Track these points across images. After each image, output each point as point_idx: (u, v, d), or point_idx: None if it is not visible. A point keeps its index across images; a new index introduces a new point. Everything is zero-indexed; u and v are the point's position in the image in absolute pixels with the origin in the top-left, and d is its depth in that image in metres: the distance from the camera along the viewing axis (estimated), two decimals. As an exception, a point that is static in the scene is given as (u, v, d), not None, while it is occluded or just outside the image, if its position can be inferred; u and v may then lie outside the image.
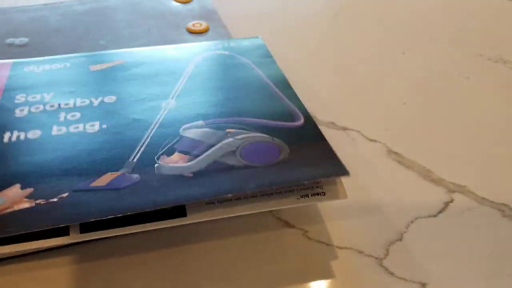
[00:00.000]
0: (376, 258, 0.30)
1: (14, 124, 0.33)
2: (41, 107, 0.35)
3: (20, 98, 0.36)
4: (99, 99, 0.36)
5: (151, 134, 0.32)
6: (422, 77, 0.46)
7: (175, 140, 0.32)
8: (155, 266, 0.30)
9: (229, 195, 0.28)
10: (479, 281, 0.29)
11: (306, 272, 0.30)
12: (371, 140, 0.39)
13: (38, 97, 0.36)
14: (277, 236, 0.32)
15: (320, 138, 0.32)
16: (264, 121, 0.34)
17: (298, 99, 0.36)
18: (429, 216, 0.33)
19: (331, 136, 0.38)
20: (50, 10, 0.50)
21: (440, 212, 0.33)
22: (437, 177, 0.36)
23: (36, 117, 0.34)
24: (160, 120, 0.34)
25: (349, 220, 0.33)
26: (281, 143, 0.32)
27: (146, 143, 0.32)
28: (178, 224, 0.28)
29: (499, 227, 0.32)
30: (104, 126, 0.33)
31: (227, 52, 0.42)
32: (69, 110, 0.35)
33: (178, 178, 0.29)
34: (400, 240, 0.31)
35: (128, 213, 0.26)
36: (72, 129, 0.33)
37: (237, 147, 0.31)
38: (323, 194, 0.29)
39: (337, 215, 0.33)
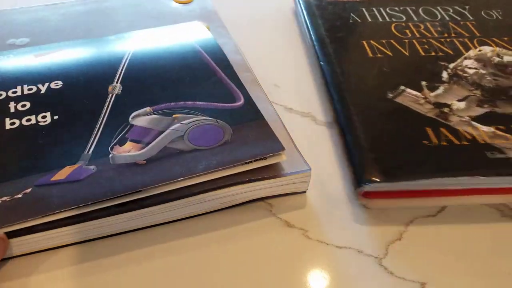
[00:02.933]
0: (376, 257, 0.31)
1: None
2: None
3: None
4: (46, 85, 0.37)
5: (102, 123, 0.34)
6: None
7: (125, 130, 0.33)
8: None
9: (180, 178, 0.30)
10: (479, 281, 0.29)
11: (306, 272, 0.30)
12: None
13: None
14: (276, 236, 0.32)
15: (259, 117, 0.35)
16: (208, 104, 0.35)
17: (239, 79, 0.38)
18: (428, 216, 0.33)
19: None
20: (51, 11, 0.50)
21: (439, 212, 0.33)
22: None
23: None
24: (109, 107, 0.35)
25: (348, 220, 0.33)
26: (225, 124, 0.34)
27: (98, 134, 0.33)
28: (135, 198, 0.30)
29: (498, 226, 0.32)
30: (56, 117, 0.34)
31: (169, 35, 0.43)
32: (17, 99, 0.35)
33: (133, 166, 0.31)
34: (400, 239, 0.32)
35: (89, 203, 0.28)
36: (24, 121, 0.34)
37: (184, 132, 0.33)
38: (265, 159, 0.32)
39: (336, 214, 0.33)
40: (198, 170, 0.30)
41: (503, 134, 0.36)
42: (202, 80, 0.38)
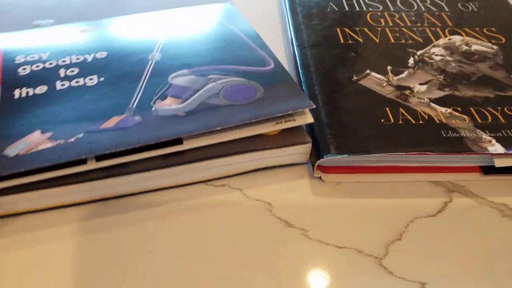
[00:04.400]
0: (376, 257, 0.31)
1: (20, 81, 0.38)
2: (41, 65, 0.39)
3: (19, 59, 0.40)
4: (92, 55, 0.40)
5: (144, 83, 0.37)
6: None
7: (166, 87, 0.36)
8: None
9: (218, 128, 0.33)
10: (478, 281, 0.29)
11: (306, 272, 0.30)
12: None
13: (36, 56, 0.40)
14: (276, 235, 0.32)
15: (288, 78, 0.37)
16: (241, 67, 0.38)
17: (268, 47, 0.41)
18: (428, 216, 0.33)
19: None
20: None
21: (439, 211, 0.33)
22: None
23: (39, 74, 0.38)
24: (150, 71, 0.38)
25: (348, 220, 0.33)
26: (256, 84, 0.37)
27: (141, 91, 0.36)
28: (177, 150, 0.33)
29: (498, 226, 0.32)
30: (102, 79, 0.38)
31: (200, 12, 0.47)
32: (67, 66, 0.39)
33: (174, 117, 0.34)
34: (400, 239, 0.32)
35: (136, 146, 0.32)
36: (74, 83, 0.37)
37: (220, 90, 0.36)
38: (294, 120, 0.35)
39: (336, 214, 0.33)
40: (234, 121, 0.33)
41: (460, 115, 0.37)
42: (234, 49, 0.41)
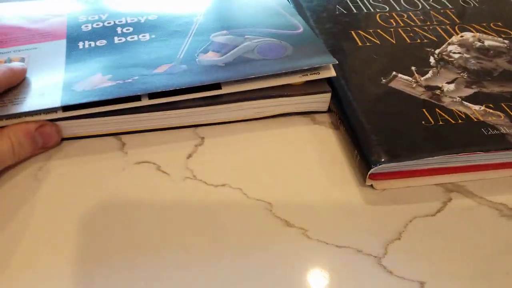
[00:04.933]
0: (375, 257, 0.31)
1: (83, 36, 0.43)
2: (101, 24, 0.45)
3: (82, 17, 0.46)
4: (145, 17, 0.46)
5: (189, 40, 0.42)
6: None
7: (207, 44, 0.42)
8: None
9: (252, 76, 0.38)
10: (478, 280, 0.30)
11: (306, 271, 0.30)
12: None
13: (96, 17, 0.46)
14: (276, 235, 0.32)
15: (315, 40, 0.42)
16: (273, 30, 0.44)
17: (298, 15, 0.46)
18: (428, 216, 0.33)
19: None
20: None
21: (439, 211, 0.34)
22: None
23: (99, 31, 0.44)
24: (194, 30, 0.44)
25: (348, 219, 0.33)
26: (286, 43, 0.42)
27: (187, 46, 0.42)
28: (217, 93, 0.38)
29: (497, 226, 0.33)
30: (153, 36, 0.43)
31: None
32: (123, 25, 0.45)
33: (214, 67, 0.39)
34: (399, 239, 0.32)
35: (183, 87, 0.37)
36: (129, 38, 0.43)
37: (254, 47, 0.41)
38: (318, 74, 0.40)
39: (336, 214, 0.33)
40: (266, 71, 0.38)
41: (494, 111, 0.38)
42: (268, 15, 0.46)
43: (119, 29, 0.44)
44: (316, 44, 0.42)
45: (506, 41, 0.46)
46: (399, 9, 0.51)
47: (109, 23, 0.45)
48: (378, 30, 0.47)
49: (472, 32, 0.47)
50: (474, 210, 0.34)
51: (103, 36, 0.43)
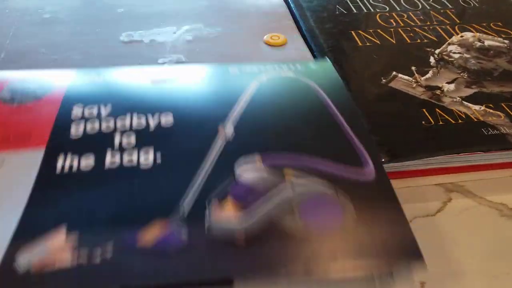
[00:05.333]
0: None
1: (68, 145, 0.31)
2: (97, 125, 0.33)
3: (77, 110, 0.34)
4: (156, 116, 0.33)
5: (204, 171, 0.29)
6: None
7: (228, 183, 0.29)
8: None
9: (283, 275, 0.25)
10: (477, 280, 0.29)
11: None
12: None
13: (95, 111, 0.34)
14: None
15: (391, 199, 0.28)
16: (328, 163, 0.30)
17: (369, 137, 0.32)
18: (428, 216, 0.33)
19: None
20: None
21: (439, 211, 0.33)
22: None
23: (92, 140, 0.32)
24: (216, 154, 0.30)
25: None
26: (345, 201, 0.28)
27: (198, 182, 0.29)
28: None
29: (497, 226, 0.33)
30: (159, 155, 0.31)
31: (292, 74, 0.38)
32: (123, 131, 0.32)
33: (229, 246, 0.26)
34: None
35: (173, 283, 0.25)
36: (125, 161, 0.30)
37: (295, 201, 0.28)
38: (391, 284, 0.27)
39: None
40: (310, 273, 0.25)
41: (494, 111, 0.38)
42: (322, 132, 0.32)
43: (117, 139, 0.32)
44: (392, 209, 0.28)
45: (506, 41, 0.46)
46: (399, 9, 0.51)
47: (108, 126, 0.33)
48: (378, 30, 0.47)
49: (472, 32, 0.47)
50: (474, 210, 0.34)
51: (93, 148, 0.31)
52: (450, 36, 0.46)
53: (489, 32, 0.47)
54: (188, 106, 0.34)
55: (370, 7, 0.51)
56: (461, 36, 0.46)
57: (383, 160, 0.33)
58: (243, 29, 0.48)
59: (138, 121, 0.33)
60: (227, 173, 0.29)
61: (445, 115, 0.37)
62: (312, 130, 0.33)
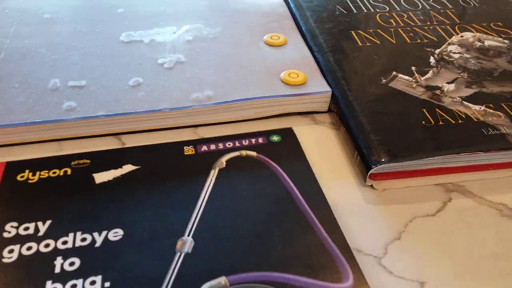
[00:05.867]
0: (375, 257, 0.31)
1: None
2: (35, 246, 0.28)
3: (10, 230, 0.29)
4: (103, 234, 0.29)
5: None
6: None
7: None
8: None
9: None
10: (477, 280, 0.30)
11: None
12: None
13: (32, 228, 0.29)
14: None
15: None
16: (303, 279, 0.26)
17: (347, 244, 0.29)
18: (428, 216, 0.33)
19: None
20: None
21: (439, 211, 0.34)
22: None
23: (28, 267, 0.27)
24: (174, 273, 0.27)
25: (348, 219, 0.33)
26: None
27: None
28: None
29: (497, 226, 0.33)
30: (107, 285, 0.26)
31: (254, 154, 0.35)
32: (67, 253, 0.28)
33: None
34: (399, 239, 0.32)
35: None
36: None
37: None
38: None
39: (336, 213, 0.33)
40: None
41: (494, 111, 0.38)
42: (296, 239, 0.29)
43: (58, 262, 0.27)
44: None
45: (506, 41, 0.46)
46: (399, 9, 0.51)
47: (47, 246, 0.28)
48: (378, 30, 0.47)
49: (472, 32, 0.47)
50: (474, 210, 0.34)
51: (31, 279, 0.26)
52: (450, 36, 0.46)
53: (489, 32, 0.47)
54: (142, 217, 0.30)
55: (370, 7, 0.51)
56: (461, 36, 0.46)
57: (383, 160, 0.33)
58: (243, 29, 0.47)
59: (82, 238, 0.29)
60: None
61: (445, 115, 0.37)
62: (284, 239, 0.29)
